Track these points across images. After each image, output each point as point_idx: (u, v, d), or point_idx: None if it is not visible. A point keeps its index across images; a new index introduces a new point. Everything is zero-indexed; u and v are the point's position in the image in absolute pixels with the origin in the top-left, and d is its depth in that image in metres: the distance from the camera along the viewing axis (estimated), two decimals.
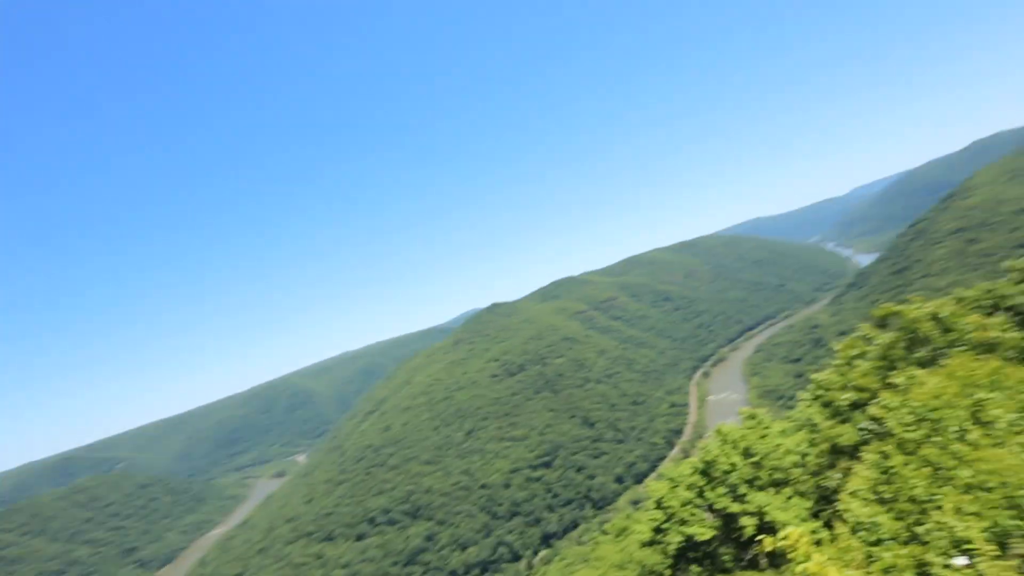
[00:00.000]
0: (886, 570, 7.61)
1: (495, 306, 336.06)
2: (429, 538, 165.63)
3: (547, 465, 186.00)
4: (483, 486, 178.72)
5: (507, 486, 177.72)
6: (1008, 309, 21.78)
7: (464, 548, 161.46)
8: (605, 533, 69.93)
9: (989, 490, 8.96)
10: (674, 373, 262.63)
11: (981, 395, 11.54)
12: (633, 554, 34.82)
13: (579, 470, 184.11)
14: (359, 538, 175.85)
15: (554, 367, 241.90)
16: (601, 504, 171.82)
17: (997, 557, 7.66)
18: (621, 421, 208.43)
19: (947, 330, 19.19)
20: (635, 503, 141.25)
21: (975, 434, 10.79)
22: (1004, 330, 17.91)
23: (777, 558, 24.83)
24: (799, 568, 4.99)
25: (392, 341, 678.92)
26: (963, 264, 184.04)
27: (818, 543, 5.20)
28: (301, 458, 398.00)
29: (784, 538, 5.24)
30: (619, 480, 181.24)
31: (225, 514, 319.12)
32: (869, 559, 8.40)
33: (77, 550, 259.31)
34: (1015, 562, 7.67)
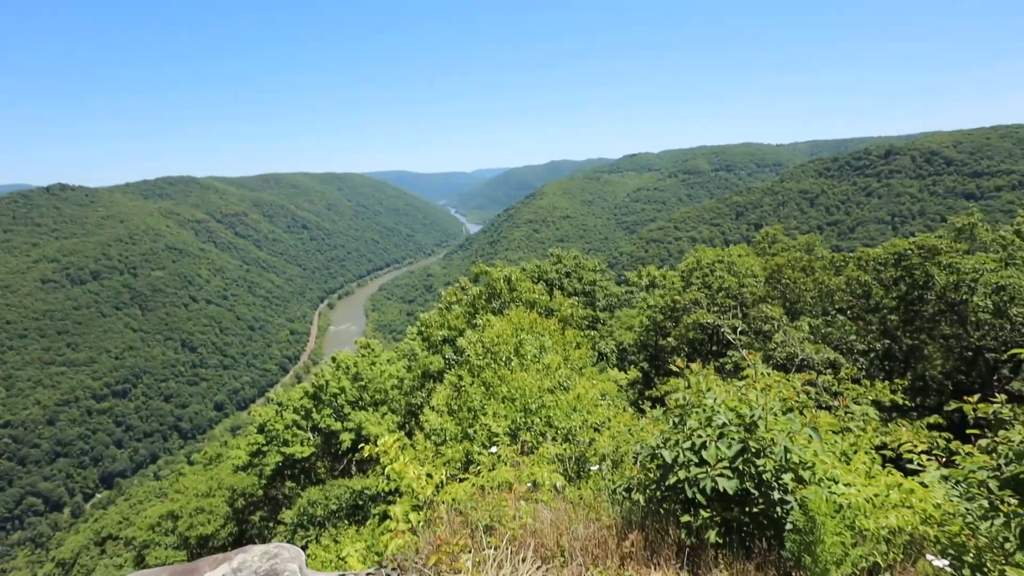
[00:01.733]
0: (446, 462, 10.16)
1: (61, 187, 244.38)
2: None
3: (122, 395, 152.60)
4: (6, 424, 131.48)
5: (52, 422, 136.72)
6: (546, 281, 31.68)
7: None
8: (192, 463, 63.56)
9: (514, 400, 13.10)
10: (299, 301, 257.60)
11: (523, 336, 16.63)
12: (223, 480, 33.26)
13: (168, 399, 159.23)
14: None
15: (149, 280, 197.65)
16: (192, 434, 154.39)
17: (510, 444, 11.18)
18: (231, 347, 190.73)
19: (512, 290, 26.23)
20: (234, 430, 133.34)
21: (515, 362, 15.47)
22: (540, 294, 25.96)
23: (364, 464, 28.80)
24: (388, 468, 6.18)
25: None
26: (529, 245, 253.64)
27: (403, 448, 6.59)
28: None
29: (380, 446, 6.36)
30: (219, 408, 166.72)
31: None
32: (436, 456, 11.06)
33: None
34: (517, 446, 11.30)
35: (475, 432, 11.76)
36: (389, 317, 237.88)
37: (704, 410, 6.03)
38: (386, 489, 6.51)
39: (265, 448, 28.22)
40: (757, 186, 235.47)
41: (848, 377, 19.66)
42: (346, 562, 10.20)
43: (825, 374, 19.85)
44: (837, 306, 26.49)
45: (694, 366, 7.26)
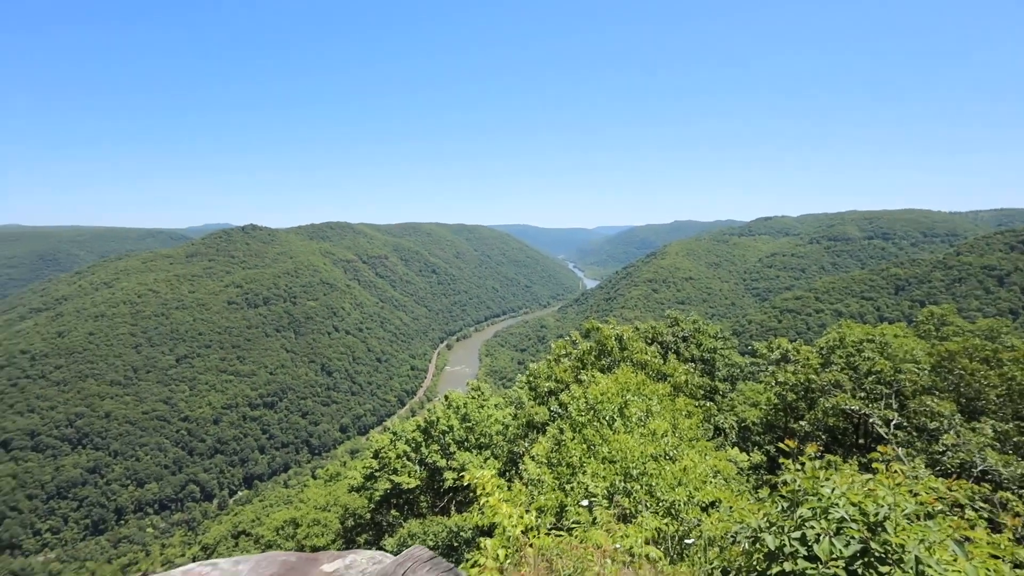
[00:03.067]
0: (539, 509, 10.25)
1: (252, 228, 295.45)
2: (93, 470, 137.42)
3: (270, 406, 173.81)
4: (185, 418, 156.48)
5: (216, 422, 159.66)
6: (660, 343, 30.52)
7: (141, 484, 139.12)
8: (315, 478, 69.65)
9: (614, 463, 12.78)
10: (422, 340, 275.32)
11: (628, 397, 16.25)
12: (339, 498, 35.99)
13: (304, 415, 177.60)
14: None
15: (304, 309, 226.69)
16: (319, 451, 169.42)
17: (607, 508, 10.93)
18: (360, 375, 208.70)
19: (623, 349, 25.72)
20: (353, 452, 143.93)
21: (618, 423, 15.13)
22: (653, 356, 25.08)
23: (462, 507, 29.31)
24: (482, 501, 6.57)
25: (97, 230, 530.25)
26: (646, 305, 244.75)
27: (499, 488, 6.98)
28: None
29: (477, 479, 6.81)
30: (343, 430, 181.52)
31: None
32: (530, 503, 11.20)
33: None
34: (615, 510, 11.00)
35: (572, 488, 11.66)
36: (501, 363, 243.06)
37: (820, 499, 5.56)
38: (480, 524, 6.88)
39: (377, 473, 30.25)
40: (924, 258, 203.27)
41: None
42: None
43: (1019, 493, 16.14)
44: None
45: (827, 456, 6.66)
